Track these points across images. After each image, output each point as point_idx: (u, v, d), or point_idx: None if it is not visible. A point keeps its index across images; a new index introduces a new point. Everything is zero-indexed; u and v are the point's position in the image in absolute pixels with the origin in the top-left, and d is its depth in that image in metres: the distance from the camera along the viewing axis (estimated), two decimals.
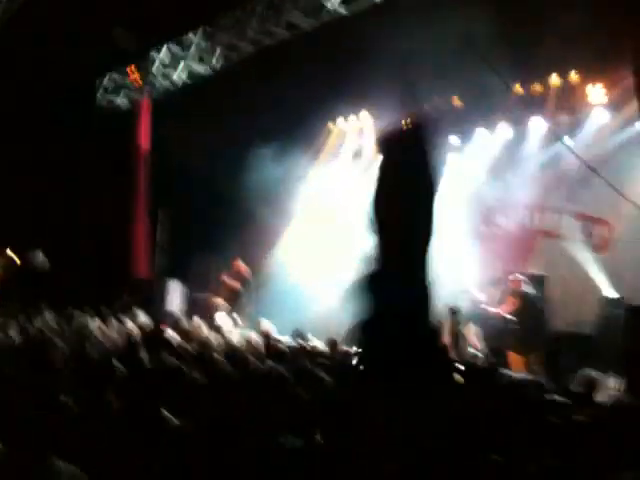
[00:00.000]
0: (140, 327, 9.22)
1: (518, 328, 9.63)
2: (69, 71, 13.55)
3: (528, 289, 9.99)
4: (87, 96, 14.99)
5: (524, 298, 9.82)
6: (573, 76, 10.55)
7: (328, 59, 11.85)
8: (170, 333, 8.42)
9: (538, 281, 10.17)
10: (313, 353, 7.60)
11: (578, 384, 6.18)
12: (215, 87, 13.54)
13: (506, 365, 9.21)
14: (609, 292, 9.80)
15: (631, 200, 8.40)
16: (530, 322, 9.61)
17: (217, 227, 13.86)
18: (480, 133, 12.00)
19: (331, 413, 4.14)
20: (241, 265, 13.27)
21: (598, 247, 10.44)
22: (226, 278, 13.28)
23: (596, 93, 10.52)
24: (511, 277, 10.12)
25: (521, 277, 10.04)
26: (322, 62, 11.94)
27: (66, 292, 12.16)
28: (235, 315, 12.25)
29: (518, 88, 11.16)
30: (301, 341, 8.77)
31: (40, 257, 11.67)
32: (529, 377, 6.60)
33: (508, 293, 10.08)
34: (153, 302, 13.30)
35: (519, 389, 5.63)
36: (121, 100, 15.25)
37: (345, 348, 7.59)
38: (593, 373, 6.17)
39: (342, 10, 10.81)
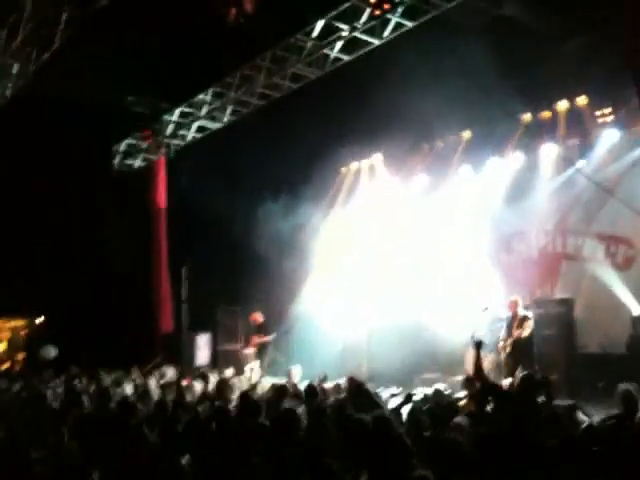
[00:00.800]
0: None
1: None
2: (86, 139, 13.94)
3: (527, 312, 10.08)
4: (104, 160, 15.35)
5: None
6: (581, 100, 10.65)
7: (336, 105, 12.13)
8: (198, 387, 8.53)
9: (566, 304, 10.12)
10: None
11: (618, 401, 6.14)
12: (227, 141, 13.84)
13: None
14: (636, 310, 9.73)
15: None
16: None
17: (239, 279, 14.03)
18: (492, 162, 12.11)
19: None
20: (258, 317, 13.28)
21: (621, 265, 10.41)
22: (255, 337, 13.32)
23: (605, 115, 10.62)
24: (510, 300, 10.26)
25: (517, 299, 10.21)
26: (331, 109, 12.23)
27: (95, 353, 12.29)
28: (264, 365, 12.33)
29: (527, 116, 11.29)
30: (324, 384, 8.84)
31: (51, 352, 11.80)
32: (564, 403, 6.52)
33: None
34: (182, 358, 13.40)
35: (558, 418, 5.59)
36: (138, 162, 15.62)
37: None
38: (631, 388, 6.12)
39: (344, 56, 11.07)
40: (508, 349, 9.99)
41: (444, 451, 4.12)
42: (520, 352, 9.80)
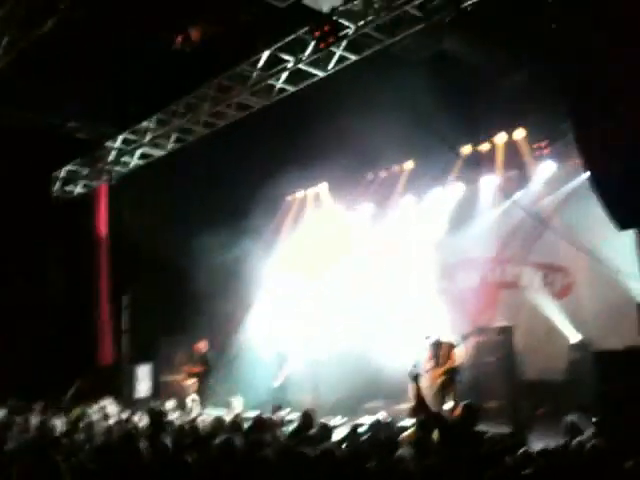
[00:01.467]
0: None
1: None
2: (24, 165, 13.61)
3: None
4: (43, 186, 15.00)
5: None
6: (519, 133, 10.98)
7: (281, 135, 12.22)
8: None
9: (505, 332, 10.30)
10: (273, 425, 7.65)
11: (563, 431, 6.26)
12: (170, 168, 13.73)
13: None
14: (573, 337, 10.01)
15: (583, 248, 8.70)
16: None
17: (181, 309, 13.81)
18: (434, 193, 12.36)
19: None
20: (202, 347, 13.12)
21: (559, 294, 10.71)
22: (186, 368, 13.14)
23: (542, 147, 10.97)
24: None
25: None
26: (275, 138, 12.32)
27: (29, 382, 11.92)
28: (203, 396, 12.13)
29: (467, 148, 11.59)
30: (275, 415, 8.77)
31: None
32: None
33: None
34: (122, 390, 13.08)
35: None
36: (78, 189, 15.32)
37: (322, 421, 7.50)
38: (576, 419, 6.27)
39: (289, 87, 11.18)
40: (441, 379, 9.89)
41: None
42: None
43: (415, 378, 7.63)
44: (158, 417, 7.86)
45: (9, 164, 13.30)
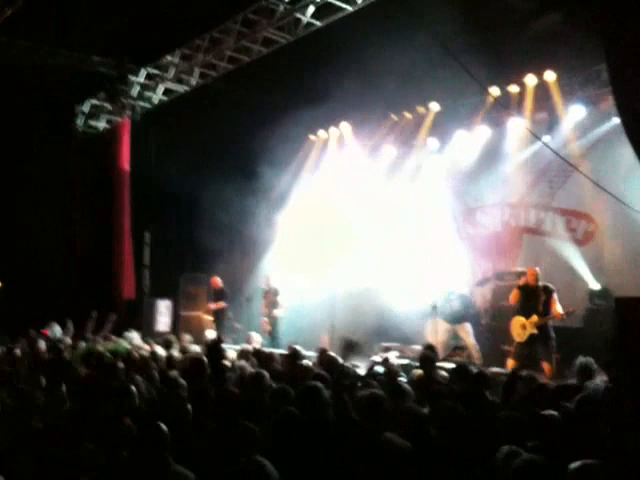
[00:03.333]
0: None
1: None
2: (48, 97, 13.58)
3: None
4: (67, 121, 14.99)
5: None
6: (549, 75, 10.69)
7: (305, 72, 11.99)
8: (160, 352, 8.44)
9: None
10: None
11: (575, 372, 6.28)
12: (194, 105, 13.63)
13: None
14: (594, 284, 9.93)
15: (611, 193, 8.51)
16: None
17: (202, 246, 13.89)
18: (459, 136, 12.15)
19: None
20: (218, 281, 13.27)
21: (581, 241, 10.60)
22: (211, 305, 13.31)
23: (572, 90, 10.68)
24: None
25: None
26: (299, 76, 12.09)
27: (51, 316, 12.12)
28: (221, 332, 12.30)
29: (495, 90, 11.31)
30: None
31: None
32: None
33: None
34: (142, 323, 13.30)
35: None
36: (101, 124, 15.30)
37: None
38: (588, 361, 6.27)
39: (316, 22, 10.94)
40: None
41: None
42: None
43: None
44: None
45: (34, 100, 13.29)
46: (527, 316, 8.63)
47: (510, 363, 8.64)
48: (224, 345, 10.60)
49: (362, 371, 7.21)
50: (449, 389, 5.85)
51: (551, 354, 8.43)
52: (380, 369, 7.10)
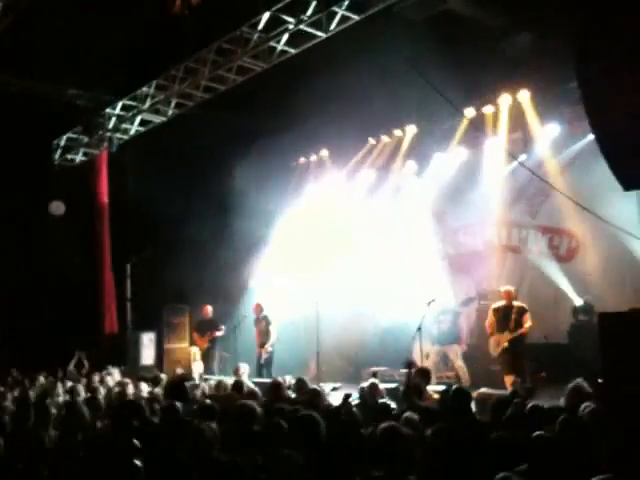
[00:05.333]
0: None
1: None
2: (25, 133, 13.49)
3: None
4: (43, 155, 14.89)
5: None
6: (523, 94, 10.79)
7: (279, 99, 12.03)
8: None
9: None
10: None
11: (568, 395, 6.21)
12: (169, 134, 13.59)
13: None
14: (578, 300, 9.97)
15: (589, 209, 8.57)
16: None
17: (184, 277, 13.76)
18: (437, 158, 12.22)
19: None
20: (208, 311, 13.16)
21: (564, 257, 10.65)
22: (194, 335, 13.16)
23: (547, 109, 10.79)
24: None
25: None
26: (273, 102, 12.14)
27: (33, 353, 11.95)
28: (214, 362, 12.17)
29: (470, 110, 11.42)
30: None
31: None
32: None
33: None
34: (126, 357, 13.13)
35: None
36: (79, 157, 15.21)
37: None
38: (582, 383, 6.21)
39: (290, 49, 10.99)
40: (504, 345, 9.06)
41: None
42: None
43: (409, 365, 7.60)
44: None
45: (10, 132, 13.18)
46: (501, 332, 9.12)
47: (508, 379, 8.71)
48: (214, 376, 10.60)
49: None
50: (440, 411, 5.79)
51: (518, 368, 8.78)
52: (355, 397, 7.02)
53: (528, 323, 8.98)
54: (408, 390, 6.79)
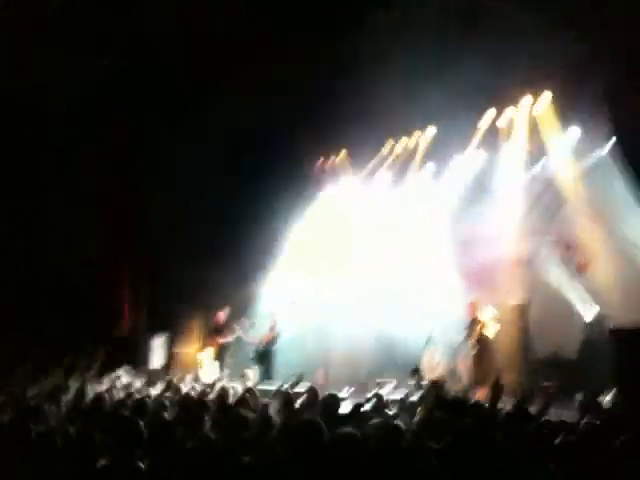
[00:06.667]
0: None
1: None
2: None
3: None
4: None
5: None
6: (544, 100, 10.43)
7: (300, 101, 11.87)
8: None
9: (521, 309, 9.96)
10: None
11: (576, 409, 5.91)
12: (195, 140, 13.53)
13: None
14: (590, 314, 9.60)
15: (606, 223, 8.25)
16: None
17: (197, 280, 13.67)
18: (456, 160, 11.88)
19: None
20: (222, 316, 13.04)
21: (577, 271, 10.26)
22: (207, 339, 13.09)
23: (567, 116, 10.41)
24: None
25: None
26: (294, 104, 11.99)
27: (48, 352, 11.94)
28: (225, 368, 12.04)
29: (491, 112, 11.07)
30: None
31: None
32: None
33: None
34: (136, 360, 13.05)
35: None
36: None
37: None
38: (588, 397, 5.93)
39: None
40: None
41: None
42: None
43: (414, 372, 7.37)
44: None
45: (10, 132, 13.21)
46: None
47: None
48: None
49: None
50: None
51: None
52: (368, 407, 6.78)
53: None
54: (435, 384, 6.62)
